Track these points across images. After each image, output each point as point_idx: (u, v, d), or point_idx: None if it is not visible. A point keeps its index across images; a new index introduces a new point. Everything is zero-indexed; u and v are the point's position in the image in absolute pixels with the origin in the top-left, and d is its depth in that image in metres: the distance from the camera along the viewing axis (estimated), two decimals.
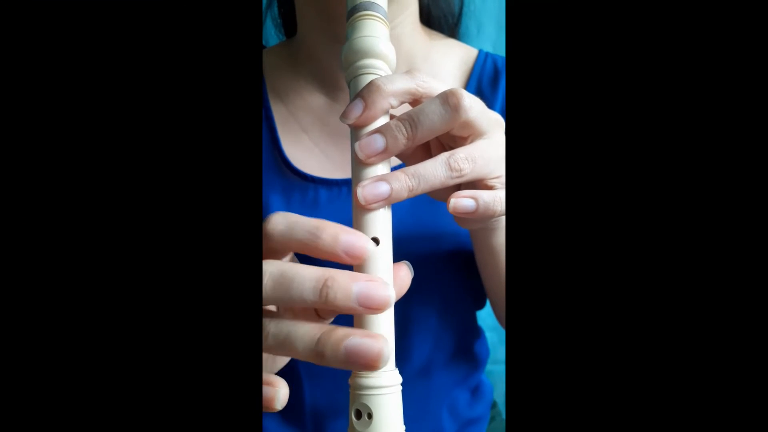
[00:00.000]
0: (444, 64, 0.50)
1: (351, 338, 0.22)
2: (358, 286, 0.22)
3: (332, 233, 0.23)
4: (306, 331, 0.23)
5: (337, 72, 0.47)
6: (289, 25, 0.56)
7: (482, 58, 0.50)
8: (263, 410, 0.24)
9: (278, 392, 0.24)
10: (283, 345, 0.23)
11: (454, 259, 0.46)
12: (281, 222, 0.24)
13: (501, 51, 0.52)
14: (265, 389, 0.24)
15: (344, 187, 0.46)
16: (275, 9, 0.57)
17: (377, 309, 0.22)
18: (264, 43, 0.59)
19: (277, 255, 0.25)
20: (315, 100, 0.48)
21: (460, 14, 0.56)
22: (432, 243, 0.45)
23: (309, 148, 0.47)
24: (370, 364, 0.22)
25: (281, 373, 0.27)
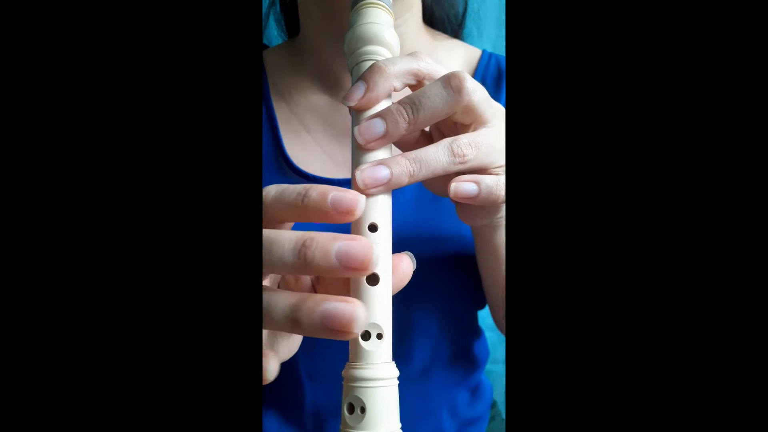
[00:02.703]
0: (448, 64, 0.50)
1: (326, 302, 0.21)
2: (338, 244, 0.21)
3: (321, 190, 0.22)
4: (283, 299, 0.22)
5: (341, 71, 0.47)
6: (291, 25, 0.56)
7: (486, 59, 0.50)
8: None
9: (268, 362, 0.23)
10: (262, 315, 0.22)
11: (457, 260, 0.46)
12: (273, 189, 0.24)
13: (500, 51, 0.52)
14: None
15: (347, 188, 0.45)
16: (278, 8, 0.57)
17: (358, 269, 0.21)
18: (267, 43, 0.59)
19: (272, 226, 0.25)
20: (318, 99, 0.48)
21: (464, 16, 0.56)
22: (435, 244, 0.45)
23: (311, 148, 0.47)
24: (344, 327, 0.21)
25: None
